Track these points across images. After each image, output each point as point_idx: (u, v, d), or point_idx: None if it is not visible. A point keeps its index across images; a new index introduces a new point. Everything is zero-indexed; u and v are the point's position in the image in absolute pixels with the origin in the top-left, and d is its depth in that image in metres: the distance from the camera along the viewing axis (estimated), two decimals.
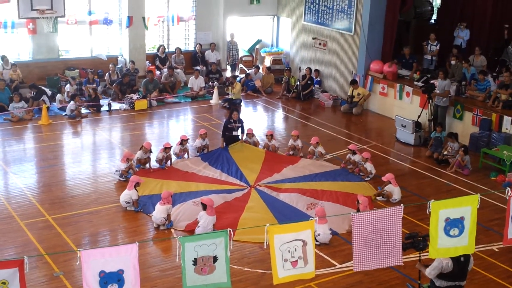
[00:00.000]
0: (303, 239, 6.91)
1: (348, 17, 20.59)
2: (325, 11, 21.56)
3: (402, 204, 7.15)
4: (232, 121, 16.13)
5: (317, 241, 11.26)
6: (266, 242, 6.83)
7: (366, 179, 14.44)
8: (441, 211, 7.12)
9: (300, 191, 13.70)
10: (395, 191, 13.42)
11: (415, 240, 8.35)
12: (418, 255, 8.62)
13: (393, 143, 17.36)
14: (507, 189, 7.44)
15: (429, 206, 7.11)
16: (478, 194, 7.23)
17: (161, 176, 14.26)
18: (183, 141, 15.33)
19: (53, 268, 10.32)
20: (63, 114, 18.55)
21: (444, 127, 16.83)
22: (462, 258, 7.93)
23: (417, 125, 17.22)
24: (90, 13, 20.92)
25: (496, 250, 11.47)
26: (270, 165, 15.16)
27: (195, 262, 6.69)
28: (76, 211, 12.56)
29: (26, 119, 18.04)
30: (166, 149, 14.74)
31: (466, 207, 7.18)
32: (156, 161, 14.74)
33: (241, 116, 16.89)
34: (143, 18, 21.42)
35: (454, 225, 7.21)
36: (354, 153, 15.03)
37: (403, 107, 18.87)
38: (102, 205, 12.85)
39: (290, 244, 6.87)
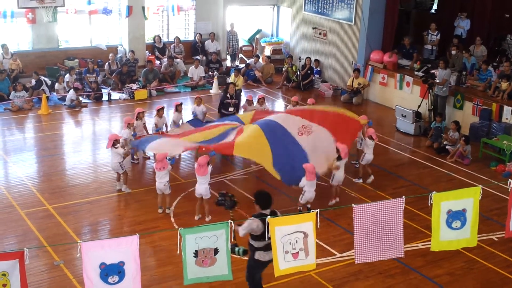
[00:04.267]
0: (304, 231, 6.91)
1: (348, 6, 20.51)
2: (325, 1, 21.48)
3: (404, 196, 7.14)
4: (228, 96, 16.13)
5: (300, 199, 11.80)
6: (267, 234, 6.83)
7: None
8: (442, 203, 7.11)
9: (291, 112, 13.70)
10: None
11: (221, 199, 8.85)
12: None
13: (393, 133, 17.36)
14: (509, 181, 7.42)
15: (431, 198, 7.10)
16: (480, 186, 7.21)
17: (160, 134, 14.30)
18: (178, 107, 15.45)
19: (53, 257, 10.34)
20: (63, 103, 18.52)
21: (444, 117, 16.83)
22: (269, 217, 7.99)
23: (417, 115, 17.21)
24: (89, 2, 20.84)
25: (496, 239, 11.49)
26: (263, 114, 14.89)
27: (196, 254, 6.69)
28: (76, 200, 12.56)
29: (26, 108, 18.02)
30: (159, 111, 14.79)
31: (468, 199, 7.16)
32: (153, 127, 14.85)
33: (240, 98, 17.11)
34: (143, 8, 21.34)
35: (456, 217, 7.20)
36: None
37: (403, 97, 18.85)
38: (102, 194, 12.85)
39: (291, 236, 6.87)
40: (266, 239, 7.84)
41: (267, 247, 8.02)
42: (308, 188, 11.76)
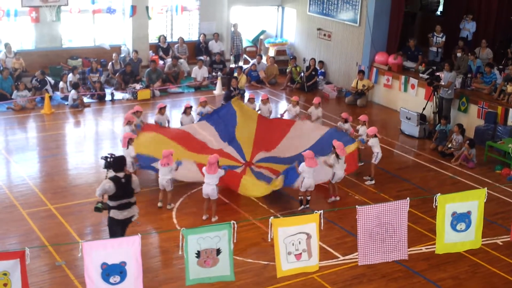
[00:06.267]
0: (308, 232, 6.85)
1: (353, 8, 20.44)
2: (330, 2, 21.42)
3: (408, 198, 7.07)
4: (233, 88, 16.16)
5: (300, 187, 11.94)
6: (270, 235, 6.77)
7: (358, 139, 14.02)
8: (447, 205, 7.04)
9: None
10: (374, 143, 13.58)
11: (105, 158, 10.25)
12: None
13: (397, 136, 17.27)
14: None
15: (436, 200, 7.03)
16: (485, 188, 7.14)
17: (161, 131, 14.09)
18: (187, 109, 15.29)
19: (55, 257, 10.28)
20: (66, 103, 18.48)
21: (449, 119, 16.74)
22: (123, 180, 9.36)
23: (422, 118, 17.11)
24: (93, 1, 20.85)
25: (500, 243, 11.40)
26: (262, 135, 14.74)
27: (198, 254, 6.64)
28: (78, 200, 12.51)
29: (29, 108, 17.98)
30: (161, 109, 14.73)
31: (473, 202, 7.11)
32: (155, 122, 14.83)
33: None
34: (147, 8, 21.33)
35: (461, 219, 7.14)
36: (346, 121, 14.89)
37: (408, 99, 18.77)
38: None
39: (294, 237, 6.82)
40: (121, 200, 9.30)
41: (121, 207, 9.39)
42: (307, 174, 11.80)
